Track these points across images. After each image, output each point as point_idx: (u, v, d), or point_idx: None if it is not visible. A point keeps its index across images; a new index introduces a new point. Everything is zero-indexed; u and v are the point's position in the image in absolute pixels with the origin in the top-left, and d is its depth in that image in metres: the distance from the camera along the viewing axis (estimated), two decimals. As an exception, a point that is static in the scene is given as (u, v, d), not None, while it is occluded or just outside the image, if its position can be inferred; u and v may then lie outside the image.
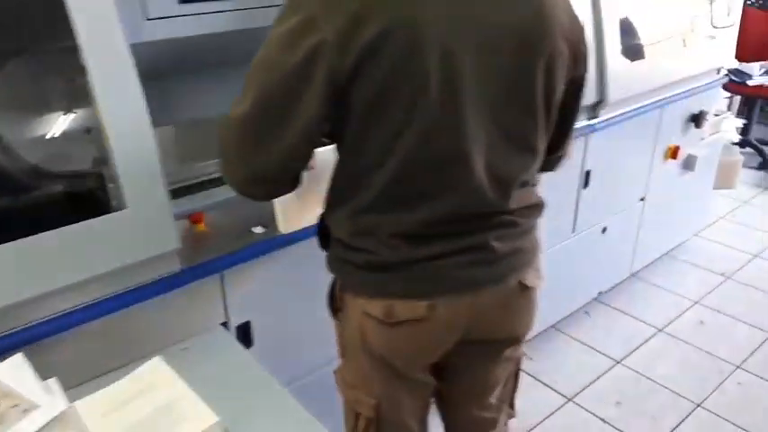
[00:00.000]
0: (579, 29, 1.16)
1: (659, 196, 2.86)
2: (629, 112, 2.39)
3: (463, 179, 1.09)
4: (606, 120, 2.30)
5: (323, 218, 1.25)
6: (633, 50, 2.39)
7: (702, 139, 2.98)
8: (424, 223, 1.12)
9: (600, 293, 2.90)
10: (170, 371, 1.21)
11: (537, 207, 1.27)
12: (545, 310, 2.57)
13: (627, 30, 2.39)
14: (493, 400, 1.47)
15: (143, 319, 1.36)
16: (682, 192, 3.02)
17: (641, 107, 2.44)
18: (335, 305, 1.30)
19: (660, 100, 2.54)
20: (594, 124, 2.26)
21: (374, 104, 1.01)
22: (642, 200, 2.79)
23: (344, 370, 1.36)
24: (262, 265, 1.53)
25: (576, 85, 1.22)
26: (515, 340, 1.37)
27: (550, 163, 1.35)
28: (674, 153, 2.76)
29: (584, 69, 1.21)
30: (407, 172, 1.07)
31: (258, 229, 1.54)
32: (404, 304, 1.17)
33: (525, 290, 1.27)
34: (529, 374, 2.50)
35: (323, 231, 1.26)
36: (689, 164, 2.92)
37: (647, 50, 2.43)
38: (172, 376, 1.20)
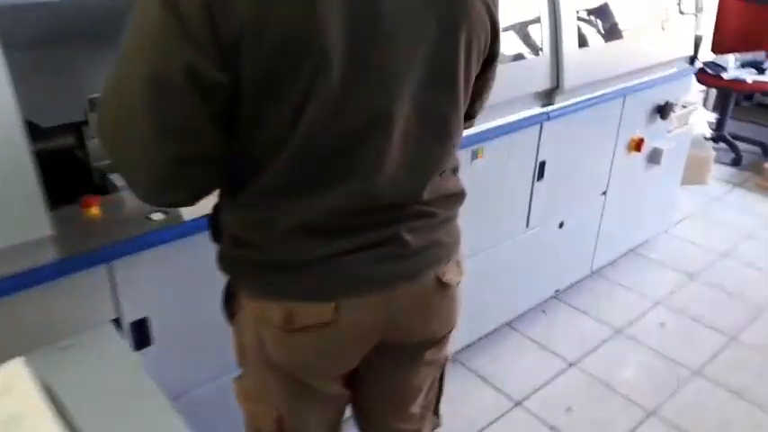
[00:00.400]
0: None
1: (623, 190, 2.73)
2: (588, 100, 2.26)
3: (371, 165, 0.95)
4: (562, 107, 2.16)
5: (216, 208, 1.10)
6: (600, 35, 2.26)
7: (669, 131, 2.85)
8: (325, 215, 0.97)
9: (557, 291, 2.77)
10: (28, 376, 1.06)
11: (457, 196, 1.14)
12: (499, 306, 2.49)
13: (600, 13, 2.27)
14: (415, 409, 1.33)
15: (14, 313, 1.21)
16: (647, 186, 2.89)
17: (601, 95, 2.31)
18: (231, 308, 1.14)
19: (622, 88, 2.40)
20: (549, 112, 2.12)
21: (267, 74, 0.85)
22: (604, 194, 2.65)
23: (243, 380, 1.21)
24: (162, 255, 1.38)
25: (492, 62, 1.10)
26: (437, 341, 1.23)
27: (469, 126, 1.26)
28: (637, 145, 2.63)
29: (500, 42, 1.09)
30: (307, 155, 0.92)
31: (157, 216, 1.38)
32: (305, 308, 1.03)
33: (444, 286, 1.14)
34: (476, 375, 2.37)
35: (216, 223, 1.10)
36: (654, 157, 2.79)
37: (609, 36, 2.30)
38: (28, 382, 1.05)
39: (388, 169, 0.96)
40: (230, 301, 1.13)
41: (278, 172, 0.93)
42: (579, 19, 2.12)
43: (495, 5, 1.03)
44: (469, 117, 1.20)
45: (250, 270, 1.05)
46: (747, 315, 2.76)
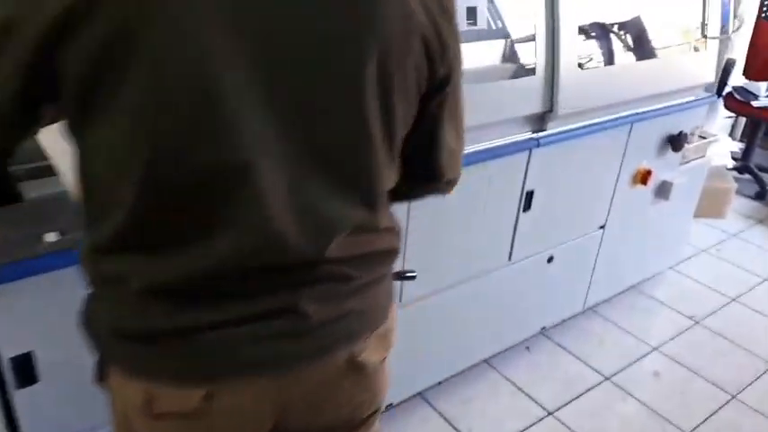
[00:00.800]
0: (442, 13, 0.81)
1: (624, 226, 2.50)
2: (587, 127, 2.03)
3: (242, 215, 0.75)
4: (554, 134, 1.94)
5: None
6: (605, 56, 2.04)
7: (684, 163, 2.60)
8: (191, 275, 0.77)
9: (544, 329, 2.54)
10: None
11: (384, 255, 0.94)
12: (476, 342, 2.28)
13: (608, 32, 2.04)
14: None
15: None
16: (654, 221, 2.65)
17: (603, 122, 2.07)
18: (101, 371, 0.92)
19: (629, 115, 2.16)
20: (539, 138, 1.90)
21: (92, 88, 0.67)
22: (602, 228, 2.42)
23: None
24: (51, 282, 1.20)
25: (441, 90, 0.87)
26: (356, 425, 1.02)
27: (439, 190, 1.05)
28: (644, 178, 2.39)
29: (452, 67, 0.85)
30: (155, 199, 0.73)
31: (51, 237, 1.20)
32: (170, 391, 0.83)
33: (360, 367, 0.92)
34: (441, 416, 2.17)
35: None
36: (663, 191, 2.55)
37: (616, 58, 2.06)
38: None
39: (262, 221, 0.76)
40: (101, 362, 0.92)
41: (124, 216, 0.74)
42: (582, 37, 1.90)
43: (446, 15, 0.81)
44: (434, 175, 0.97)
45: (105, 333, 0.85)
46: (752, 371, 2.51)
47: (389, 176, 0.86)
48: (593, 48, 1.96)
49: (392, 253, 0.95)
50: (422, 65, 0.80)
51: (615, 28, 2.05)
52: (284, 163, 0.74)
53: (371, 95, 0.76)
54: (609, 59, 2.04)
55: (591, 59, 1.96)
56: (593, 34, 1.97)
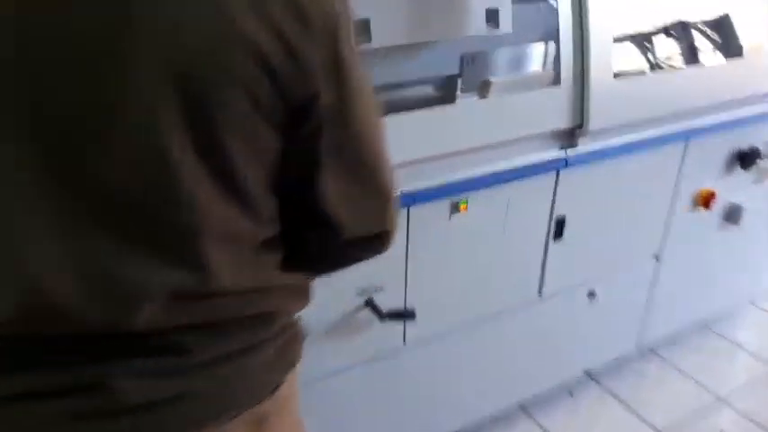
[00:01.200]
0: (296, 23, 0.61)
1: (685, 255, 2.17)
2: (628, 144, 1.75)
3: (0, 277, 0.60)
4: (588, 152, 1.67)
5: None
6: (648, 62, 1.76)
7: (759, 182, 2.25)
8: None
9: (589, 372, 2.25)
10: None
11: (252, 321, 0.75)
12: (510, 383, 2.03)
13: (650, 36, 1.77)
14: None
15: None
16: (722, 251, 2.31)
17: (649, 139, 1.78)
18: None
19: (682, 131, 1.86)
20: (568, 157, 1.64)
21: None
22: (656, 258, 2.11)
23: None
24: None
25: (307, 118, 0.66)
26: None
27: (362, 248, 0.82)
28: (706, 200, 2.07)
29: (318, 89, 0.65)
30: None
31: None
32: None
33: None
34: (463, 473, 1.92)
35: None
36: (731, 216, 2.21)
37: (662, 65, 1.78)
38: None
39: (29, 287, 0.60)
40: None
41: None
42: (619, 42, 1.63)
43: (305, 25, 0.61)
44: (332, 228, 0.75)
45: None
46: (844, 432, 2.12)
47: (238, 230, 0.68)
48: (633, 53, 1.69)
49: (265, 317, 0.77)
50: (261, 87, 0.61)
51: (663, 29, 1.77)
52: (53, 215, 0.58)
53: (177, 129, 0.58)
54: (655, 65, 1.75)
55: (631, 66, 1.69)
56: (633, 38, 1.70)
